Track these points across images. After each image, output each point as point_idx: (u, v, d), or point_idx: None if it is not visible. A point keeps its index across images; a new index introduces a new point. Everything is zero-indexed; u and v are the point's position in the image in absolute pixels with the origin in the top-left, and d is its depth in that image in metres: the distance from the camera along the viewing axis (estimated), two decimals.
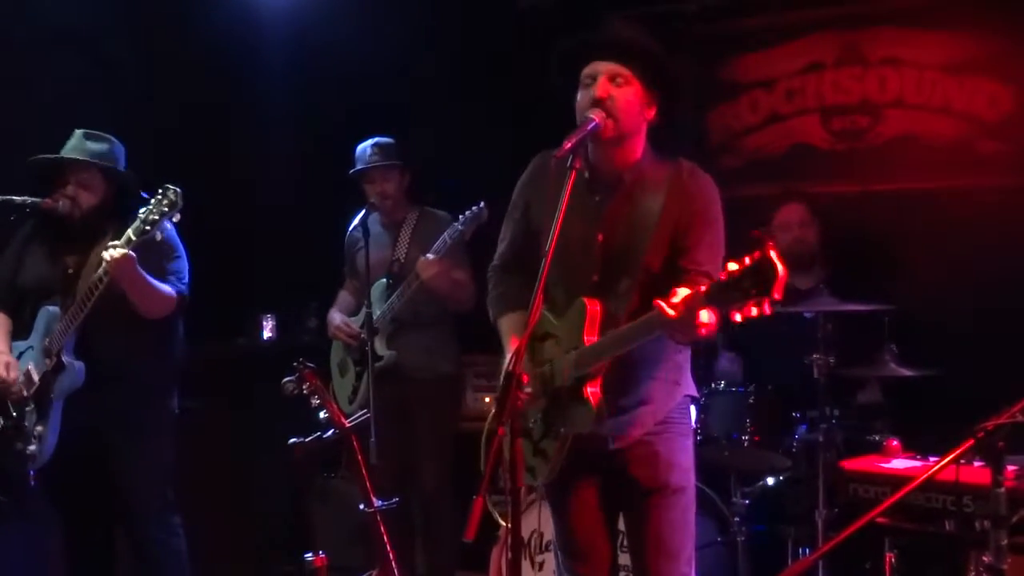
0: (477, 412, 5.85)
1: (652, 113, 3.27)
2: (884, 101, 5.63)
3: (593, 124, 3.13)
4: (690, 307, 2.80)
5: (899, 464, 4.28)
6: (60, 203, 4.34)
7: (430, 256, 5.05)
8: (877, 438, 4.75)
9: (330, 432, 3.93)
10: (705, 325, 2.82)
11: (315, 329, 6.11)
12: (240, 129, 6.19)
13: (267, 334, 6.47)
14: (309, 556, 3.89)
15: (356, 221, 5.10)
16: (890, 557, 4.09)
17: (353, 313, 5.44)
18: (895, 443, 4.41)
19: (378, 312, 5.13)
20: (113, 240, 4.13)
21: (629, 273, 3.19)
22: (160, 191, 4.12)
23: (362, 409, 5.11)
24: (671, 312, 2.83)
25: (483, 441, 3.44)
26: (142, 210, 4.13)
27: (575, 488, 3.43)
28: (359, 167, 5.34)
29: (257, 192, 5.84)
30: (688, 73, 3.39)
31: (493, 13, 6.18)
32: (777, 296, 2.62)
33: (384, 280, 5.26)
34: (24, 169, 4.43)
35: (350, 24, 6.09)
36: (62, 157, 4.38)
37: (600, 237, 3.28)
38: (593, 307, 3.22)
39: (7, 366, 4.30)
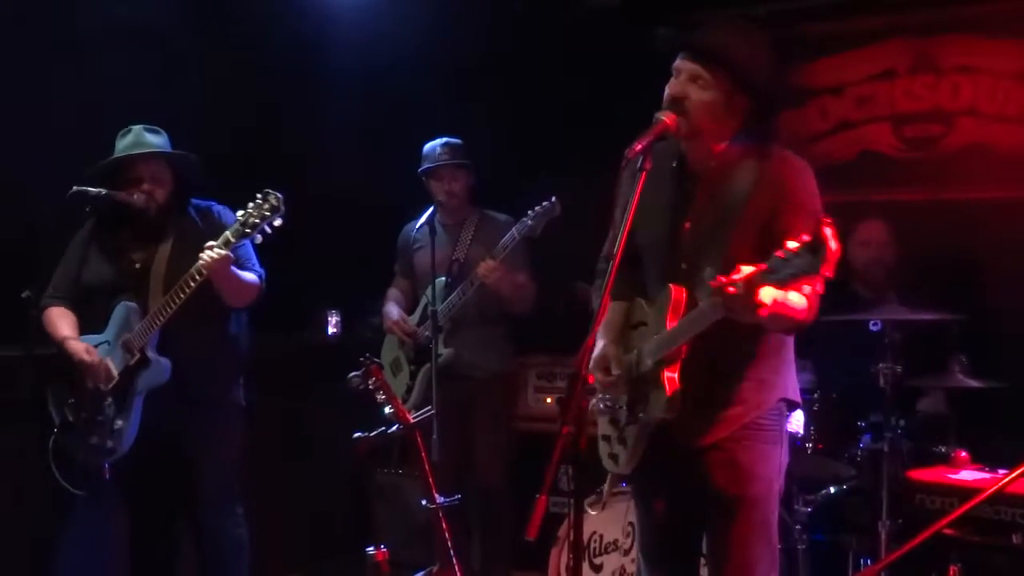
0: (538, 413, 5.86)
1: (742, 115, 3.19)
2: (957, 109, 5.58)
3: (661, 125, 3.11)
4: (750, 284, 2.75)
5: (967, 476, 4.24)
6: (135, 196, 4.31)
7: (490, 261, 5.08)
8: (943, 449, 4.69)
9: (394, 428, 3.95)
10: (765, 305, 2.78)
11: (378, 325, 6.15)
12: (306, 126, 6.22)
13: (331, 330, 6.52)
14: (371, 550, 3.92)
15: (422, 220, 5.15)
16: (954, 570, 4.03)
17: (407, 312, 5.48)
18: (963, 454, 4.36)
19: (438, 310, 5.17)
20: (175, 235, 4.21)
21: (713, 261, 3.06)
22: (260, 195, 4.13)
23: (415, 408, 5.16)
24: (731, 288, 2.78)
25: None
26: (240, 213, 4.15)
27: (655, 491, 3.41)
28: (429, 165, 5.37)
29: (323, 188, 5.89)
30: (784, 76, 3.27)
31: (562, 13, 6.18)
32: (828, 274, 2.60)
33: (443, 279, 5.27)
34: (90, 163, 4.45)
35: (415, 21, 6.12)
36: (152, 151, 4.35)
37: (687, 225, 3.25)
38: (679, 294, 3.19)
39: (87, 351, 4.28)
